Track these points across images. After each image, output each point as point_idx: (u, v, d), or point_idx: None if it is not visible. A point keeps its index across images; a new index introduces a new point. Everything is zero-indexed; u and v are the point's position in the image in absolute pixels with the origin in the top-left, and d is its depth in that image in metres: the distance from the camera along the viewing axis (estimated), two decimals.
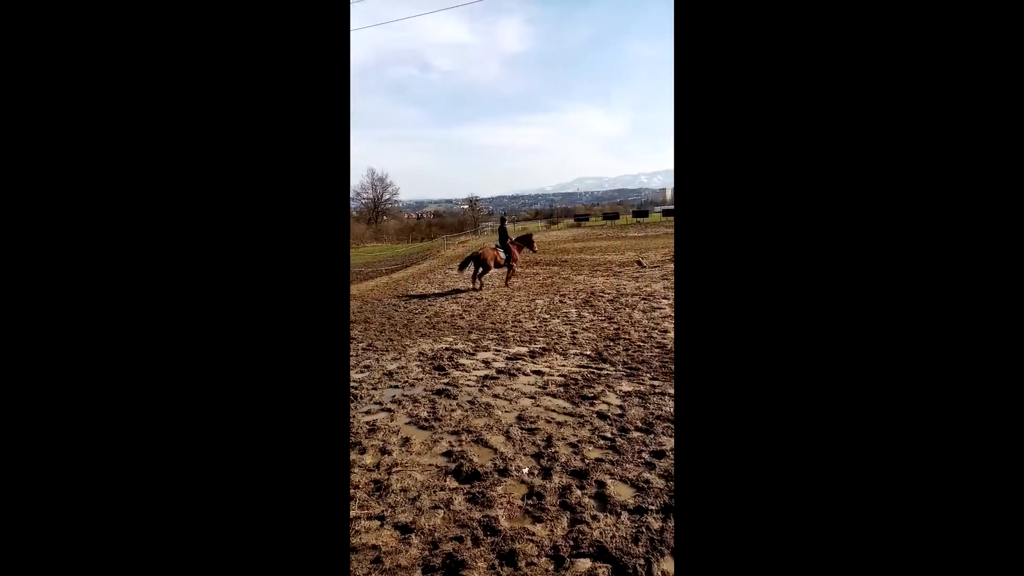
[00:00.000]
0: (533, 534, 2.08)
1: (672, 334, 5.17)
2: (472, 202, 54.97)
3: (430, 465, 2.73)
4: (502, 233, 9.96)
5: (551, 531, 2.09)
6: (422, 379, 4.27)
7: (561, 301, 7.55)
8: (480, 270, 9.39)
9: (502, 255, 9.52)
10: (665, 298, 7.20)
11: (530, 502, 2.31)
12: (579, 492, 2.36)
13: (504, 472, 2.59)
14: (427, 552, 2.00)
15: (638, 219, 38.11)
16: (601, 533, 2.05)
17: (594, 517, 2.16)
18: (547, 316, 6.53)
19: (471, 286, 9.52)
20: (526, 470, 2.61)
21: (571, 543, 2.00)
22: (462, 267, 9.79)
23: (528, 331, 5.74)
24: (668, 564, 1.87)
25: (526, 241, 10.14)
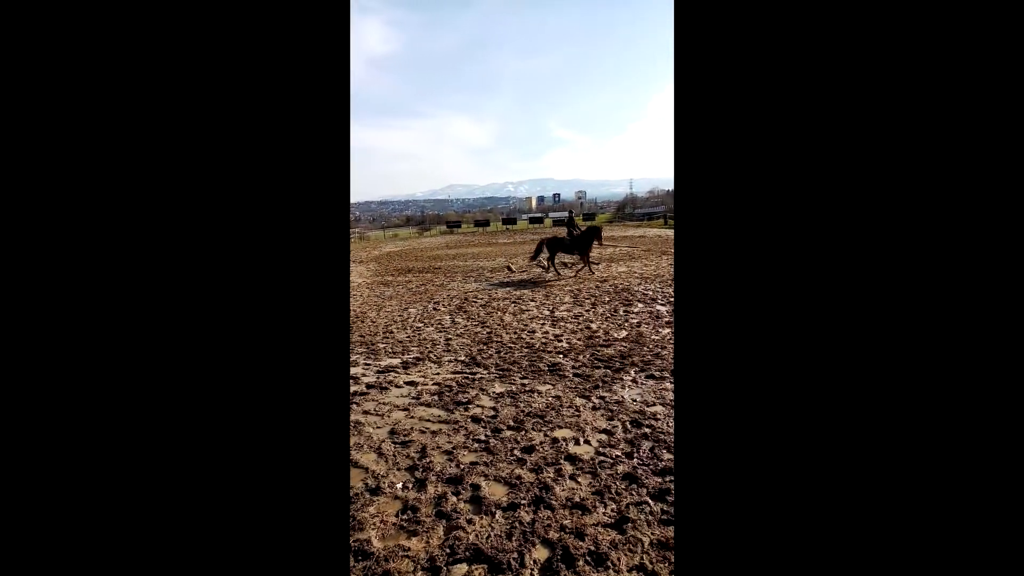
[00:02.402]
0: (408, 549, 2.03)
1: (539, 334, 5.49)
2: None
3: None
4: (571, 224, 10.57)
5: (427, 543, 2.07)
6: None
7: (435, 308, 7.50)
8: (551, 255, 10.14)
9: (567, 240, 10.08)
10: (532, 300, 7.61)
11: (404, 517, 2.25)
12: (454, 498, 2.37)
13: (376, 491, 2.48)
14: None
15: (507, 226, 39.73)
16: (477, 535, 2.09)
17: (469, 521, 2.19)
18: (420, 325, 6.43)
19: (553, 273, 10.18)
20: (399, 485, 2.53)
21: (447, 551, 2.00)
22: (534, 257, 10.63)
23: (400, 341, 5.59)
24: (538, 553, 1.98)
25: (594, 234, 9.87)
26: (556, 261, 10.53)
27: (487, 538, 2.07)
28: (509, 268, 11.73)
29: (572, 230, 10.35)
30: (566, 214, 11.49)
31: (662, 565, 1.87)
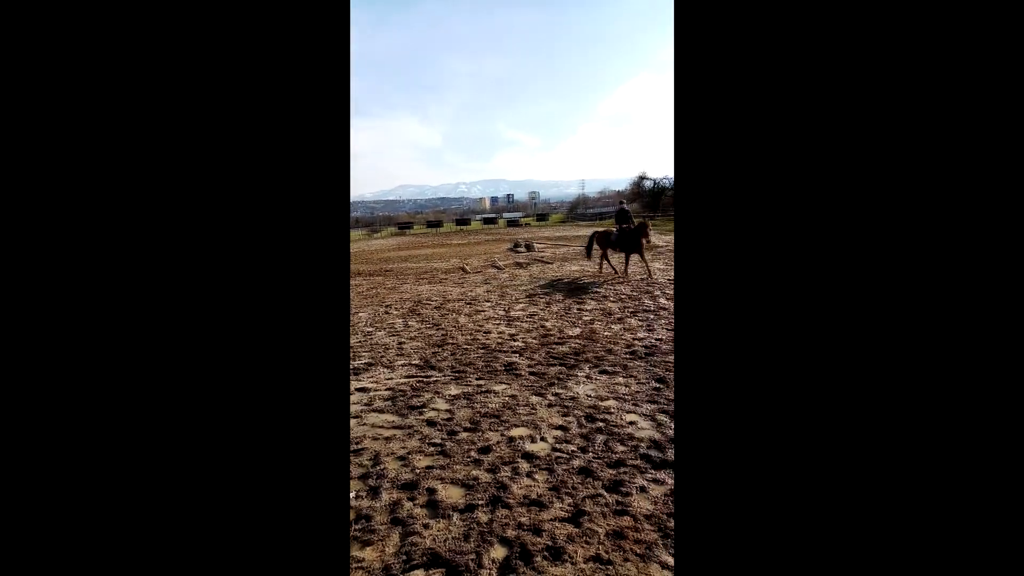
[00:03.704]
0: (362, 560, 1.96)
1: (494, 334, 5.49)
2: None
3: None
4: (622, 216, 9.24)
5: (382, 551, 2.01)
6: None
7: (386, 312, 7.32)
8: (603, 251, 9.39)
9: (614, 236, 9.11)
10: (488, 301, 7.60)
11: (357, 527, 2.18)
12: (410, 504, 2.32)
13: None
14: None
15: (461, 227, 39.51)
16: (434, 540, 2.05)
17: (426, 526, 2.15)
18: (371, 329, 6.25)
19: (606, 271, 9.49)
20: (352, 495, 2.45)
21: (403, 558, 1.95)
22: (588, 253, 9.95)
23: (350, 348, 5.41)
24: (496, 552, 1.97)
25: (641, 231, 8.70)
26: (604, 257, 9.55)
27: (444, 541, 2.04)
28: (464, 269, 11.66)
29: (621, 225, 9.06)
30: (618, 206, 9.73)
31: (616, 554, 1.91)
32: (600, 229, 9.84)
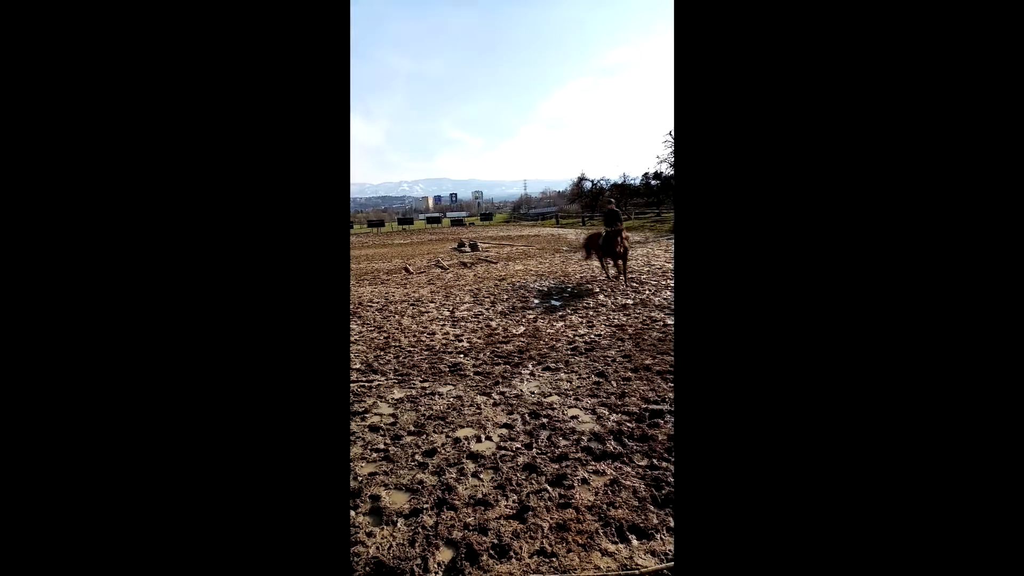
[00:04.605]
0: None
1: (439, 335, 5.44)
2: None
3: None
4: (610, 217, 8.12)
5: None
6: None
7: None
8: (596, 255, 8.89)
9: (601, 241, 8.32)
10: (432, 302, 7.51)
11: None
12: (353, 513, 2.26)
13: None
14: None
15: (403, 226, 38.69)
16: (378, 548, 2.01)
17: (369, 534, 2.10)
18: None
19: (605, 275, 8.98)
20: None
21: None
22: (588, 256, 9.48)
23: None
24: (442, 555, 1.97)
25: (617, 235, 7.97)
26: (593, 258, 9.23)
27: (388, 549, 2.00)
28: (407, 269, 11.44)
29: (607, 228, 8.24)
30: (607, 207, 8.69)
31: (560, 546, 1.97)
32: (593, 232, 9.40)
